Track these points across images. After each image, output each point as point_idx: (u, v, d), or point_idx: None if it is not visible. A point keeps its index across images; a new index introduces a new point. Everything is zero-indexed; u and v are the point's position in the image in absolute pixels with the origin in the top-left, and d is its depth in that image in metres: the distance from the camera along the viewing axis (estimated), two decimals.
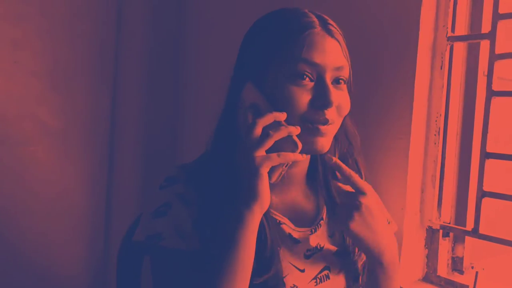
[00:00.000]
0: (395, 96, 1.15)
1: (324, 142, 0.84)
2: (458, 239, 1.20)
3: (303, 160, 0.90)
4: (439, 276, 1.18)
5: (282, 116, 0.80)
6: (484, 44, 1.12)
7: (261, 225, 0.82)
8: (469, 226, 1.13)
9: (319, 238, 0.93)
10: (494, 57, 1.05)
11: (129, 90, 1.82)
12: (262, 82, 0.84)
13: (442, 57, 1.14)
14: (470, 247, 1.20)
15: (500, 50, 1.04)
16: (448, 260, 1.20)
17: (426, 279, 1.20)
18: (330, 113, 0.83)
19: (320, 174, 0.95)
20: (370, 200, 0.85)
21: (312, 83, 0.82)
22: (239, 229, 0.77)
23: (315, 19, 0.85)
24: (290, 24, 0.85)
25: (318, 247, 0.93)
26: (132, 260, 1.10)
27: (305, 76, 0.81)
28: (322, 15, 0.87)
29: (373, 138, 1.18)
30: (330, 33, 0.84)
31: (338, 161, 0.87)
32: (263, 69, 0.84)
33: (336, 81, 0.84)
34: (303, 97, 0.81)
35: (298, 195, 0.94)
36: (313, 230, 0.92)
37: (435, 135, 1.16)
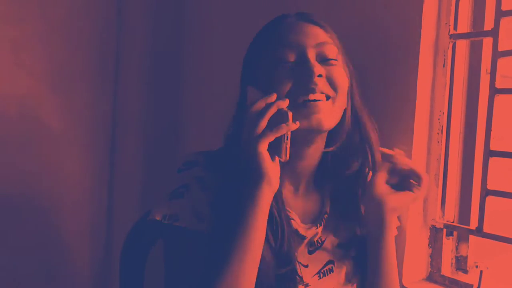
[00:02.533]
0: (397, 94, 1.15)
1: (321, 118, 0.85)
2: (462, 238, 1.19)
3: (314, 153, 0.92)
4: (443, 276, 1.17)
5: (271, 98, 0.81)
6: (487, 42, 1.11)
7: (278, 221, 0.84)
8: (473, 225, 1.13)
9: (322, 233, 0.94)
10: (497, 55, 1.04)
11: (130, 90, 1.82)
12: (257, 80, 0.87)
13: (444, 55, 1.14)
14: (474, 246, 1.19)
15: (503, 48, 1.03)
16: (452, 259, 1.19)
17: (430, 278, 1.19)
18: (320, 84, 0.84)
19: (330, 167, 0.95)
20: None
21: (295, 62, 0.85)
22: (250, 208, 0.78)
23: (293, 14, 0.91)
24: (271, 23, 0.92)
25: (320, 241, 0.93)
26: (136, 257, 1.10)
27: (287, 58, 0.85)
28: (306, 12, 0.92)
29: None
30: (306, 19, 0.89)
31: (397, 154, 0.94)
32: (255, 69, 0.89)
33: (323, 58, 0.86)
34: (287, 76, 0.84)
35: (305, 190, 0.95)
36: (318, 225, 0.93)
37: (438, 133, 1.15)
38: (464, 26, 1.15)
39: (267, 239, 0.82)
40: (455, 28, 1.14)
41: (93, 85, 1.76)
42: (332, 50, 0.87)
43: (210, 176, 0.86)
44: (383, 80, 1.17)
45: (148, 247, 1.11)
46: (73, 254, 1.77)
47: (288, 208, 0.90)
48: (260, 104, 0.81)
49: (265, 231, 0.80)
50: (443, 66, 1.14)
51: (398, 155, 0.96)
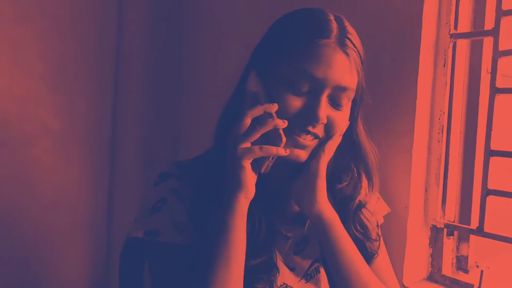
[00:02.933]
0: (398, 94, 1.14)
1: (301, 154, 0.84)
2: (463, 237, 1.19)
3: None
4: (443, 275, 1.17)
5: (273, 108, 0.80)
6: (488, 41, 1.11)
7: (256, 214, 0.84)
8: (474, 224, 1.13)
9: (307, 232, 0.94)
10: (497, 54, 1.04)
11: (130, 91, 1.82)
12: (265, 74, 0.84)
13: (445, 55, 1.14)
14: (475, 246, 1.19)
15: (504, 47, 1.03)
16: (452, 259, 1.19)
17: (430, 278, 1.19)
18: (317, 128, 0.83)
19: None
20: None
21: (308, 94, 0.82)
22: (228, 215, 0.79)
23: (334, 29, 0.82)
24: (307, 27, 0.83)
25: (305, 240, 0.93)
26: (134, 258, 1.10)
27: (301, 86, 0.81)
28: (345, 25, 0.84)
29: (376, 136, 1.17)
30: (343, 47, 0.81)
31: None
32: (269, 62, 0.85)
33: (334, 102, 0.84)
34: (295, 105, 0.82)
35: (290, 193, 0.94)
36: (302, 224, 0.93)
37: (438, 133, 1.15)
38: (465, 25, 1.15)
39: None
40: (455, 27, 1.14)
41: (93, 86, 1.76)
42: (348, 97, 0.84)
43: (185, 186, 0.86)
44: (384, 79, 1.17)
45: (143, 259, 1.11)
46: (73, 254, 1.77)
47: (266, 208, 0.89)
48: (258, 111, 0.79)
49: (244, 233, 0.81)
50: (444, 65, 1.14)
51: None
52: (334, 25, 0.82)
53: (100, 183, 1.81)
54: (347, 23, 0.85)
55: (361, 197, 0.94)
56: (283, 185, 0.92)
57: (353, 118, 0.90)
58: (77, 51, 1.71)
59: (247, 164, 0.79)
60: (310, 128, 0.82)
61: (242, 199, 0.80)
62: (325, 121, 0.83)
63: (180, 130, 1.91)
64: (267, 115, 0.80)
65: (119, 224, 1.79)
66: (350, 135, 0.91)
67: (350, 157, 0.93)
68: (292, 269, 0.91)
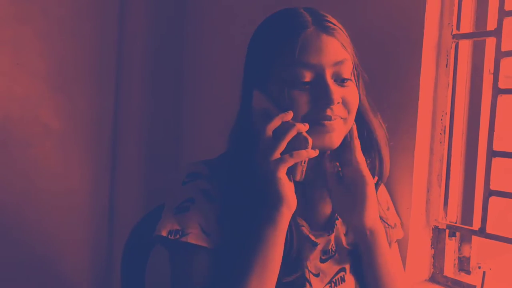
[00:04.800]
0: (400, 94, 1.14)
1: (333, 137, 0.84)
2: (465, 238, 1.19)
3: (323, 161, 0.91)
4: (445, 276, 1.17)
5: (288, 116, 0.80)
6: (490, 42, 1.11)
7: (288, 228, 0.83)
8: (476, 225, 1.12)
9: (334, 240, 0.93)
10: (500, 55, 1.04)
11: (131, 91, 1.82)
12: (267, 88, 0.84)
13: (447, 55, 1.13)
14: (477, 247, 1.18)
15: (506, 48, 1.03)
16: (454, 260, 1.19)
17: (432, 279, 1.19)
18: (336, 110, 0.83)
19: (339, 172, 0.94)
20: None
21: (312, 84, 0.82)
22: (270, 230, 0.78)
23: (308, 18, 0.84)
24: (284, 27, 0.85)
25: (333, 249, 0.92)
26: (138, 258, 1.10)
27: (303, 78, 0.81)
28: (318, 12, 0.86)
29: None
30: (325, 30, 0.83)
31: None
32: (265, 76, 0.85)
33: (339, 78, 0.84)
34: (304, 99, 0.82)
35: (316, 197, 0.94)
36: (330, 232, 0.92)
37: (440, 133, 1.15)
38: (467, 26, 1.14)
39: None
40: (458, 28, 1.13)
41: (94, 85, 1.76)
42: (348, 68, 0.85)
43: (215, 188, 0.85)
44: (386, 80, 1.17)
45: (147, 257, 1.10)
46: (74, 254, 1.77)
47: (296, 216, 0.88)
48: (276, 122, 0.80)
49: (282, 248, 0.80)
50: (446, 66, 1.14)
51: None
52: (307, 15, 0.85)
53: (101, 182, 1.81)
54: (318, 10, 0.87)
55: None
56: (308, 190, 0.91)
57: (361, 100, 0.90)
58: (79, 51, 1.71)
59: (282, 175, 0.78)
60: (329, 113, 0.82)
61: (286, 212, 0.79)
62: (339, 100, 0.83)
63: (181, 129, 1.91)
64: (286, 124, 0.80)
65: (120, 224, 1.79)
66: (362, 120, 0.91)
67: (360, 137, 0.91)
68: (317, 275, 0.91)
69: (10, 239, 1.63)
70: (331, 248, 0.92)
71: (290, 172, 0.80)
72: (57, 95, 1.68)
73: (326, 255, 0.92)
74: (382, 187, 1.06)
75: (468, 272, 1.19)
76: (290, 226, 0.83)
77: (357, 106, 0.87)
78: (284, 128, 0.79)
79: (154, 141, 1.86)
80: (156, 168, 1.84)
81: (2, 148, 1.60)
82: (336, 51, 0.83)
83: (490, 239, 1.07)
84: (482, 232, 1.07)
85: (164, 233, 0.83)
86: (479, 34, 1.12)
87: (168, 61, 1.88)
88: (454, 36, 1.13)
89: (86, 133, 1.76)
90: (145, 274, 1.12)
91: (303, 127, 0.80)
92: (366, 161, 0.90)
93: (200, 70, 1.83)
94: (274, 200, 0.79)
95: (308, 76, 0.82)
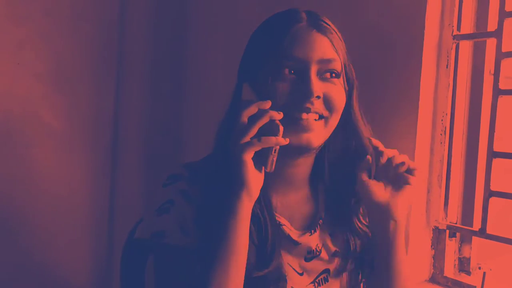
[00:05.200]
0: (400, 95, 1.14)
1: (311, 137, 0.83)
2: (465, 239, 1.19)
3: (305, 161, 0.90)
4: (446, 277, 1.17)
5: (265, 104, 0.80)
6: (491, 43, 1.11)
7: (262, 221, 0.83)
8: (476, 226, 1.12)
9: (319, 240, 0.93)
10: (500, 56, 1.04)
11: (132, 91, 1.82)
12: (255, 82, 0.85)
13: (448, 56, 1.14)
14: (477, 248, 1.18)
15: (507, 48, 1.03)
16: (455, 260, 1.19)
17: (432, 280, 1.19)
18: (316, 104, 0.82)
19: (326, 173, 0.94)
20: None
21: (295, 76, 0.82)
22: (230, 218, 0.77)
23: (304, 16, 0.85)
24: (279, 22, 0.86)
25: (318, 249, 0.92)
26: (137, 259, 1.10)
27: (287, 70, 0.82)
28: (315, 13, 0.87)
29: (379, 137, 1.17)
30: (318, 27, 0.84)
31: (380, 145, 0.90)
32: (255, 69, 0.86)
33: (324, 75, 0.84)
34: (286, 90, 0.82)
35: (299, 197, 0.93)
36: (312, 231, 0.92)
37: (441, 134, 1.15)
38: (468, 27, 1.15)
39: (251, 239, 0.82)
40: (458, 29, 1.13)
41: (95, 85, 1.76)
42: (336, 67, 0.85)
43: (194, 189, 0.85)
44: (386, 81, 1.17)
45: (145, 258, 1.11)
46: (74, 254, 1.77)
47: (277, 214, 0.89)
48: (253, 109, 0.79)
49: (247, 237, 0.79)
50: (446, 67, 1.14)
51: (381, 147, 0.92)
52: (303, 14, 0.86)
53: (101, 183, 1.81)
54: (317, 12, 0.88)
55: None
56: (291, 190, 0.91)
57: (348, 99, 0.89)
58: (79, 51, 1.72)
59: (248, 158, 0.77)
60: (309, 105, 0.81)
61: (245, 199, 0.78)
62: (319, 94, 0.82)
63: (182, 130, 1.91)
64: (261, 111, 0.79)
65: (120, 224, 1.79)
66: (346, 118, 0.90)
67: (345, 140, 0.92)
68: (300, 274, 0.90)
69: (10, 239, 1.63)
70: (316, 248, 0.92)
71: (262, 162, 0.79)
72: (58, 95, 1.68)
73: (310, 254, 0.91)
74: None
75: (468, 273, 1.19)
76: (263, 219, 0.83)
77: (341, 107, 0.86)
78: (258, 114, 0.79)
79: (154, 141, 1.86)
80: (156, 168, 1.84)
81: (2, 148, 1.60)
82: (325, 49, 0.84)
83: (490, 239, 1.07)
84: (482, 232, 1.07)
85: (146, 236, 0.84)
86: (479, 35, 1.13)
87: (168, 61, 1.88)
88: (454, 37, 1.13)
89: (86, 133, 1.76)
90: (145, 275, 1.12)
91: (276, 115, 0.79)
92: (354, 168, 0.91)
93: (201, 70, 1.83)
94: (236, 185, 0.77)
95: (291, 67, 0.82)
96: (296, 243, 0.90)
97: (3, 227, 1.63)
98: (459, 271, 1.19)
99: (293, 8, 0.88)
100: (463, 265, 1.19)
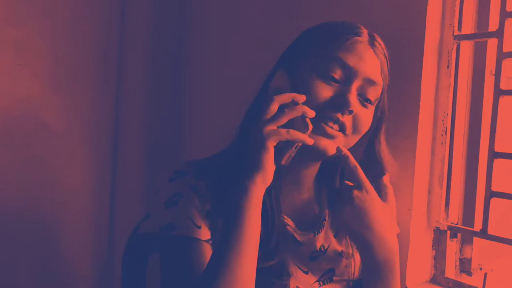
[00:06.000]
0: (401, 95, 1.14)
1: (328, 145, 0.83)
2: (466, 240, 1.19)
3: (315, 164, 0.91)
4: (447, 278, 1.17)
5: (300, 98, 0.79)
6: (492, 43, 1.11)
7: (269, 215, 0.83)
8: (477, 226, 1.12)
9: (323, 240, 0.93)
10: (501, 56, 1.04)
11: (132, 91, 1.82)
12: (294, 73, 0.85)
13: (448, 56, 1.13)
14: (478, 248, 1.18)
15: (508, 49, 1.03)
16: (456, 261, 1.19)
17: (433, 280, 1.19)
18: (345, 118, 0.83)
19: (338, 176, 0.94)
20: (365, 196, 0.84)
21: (338, 84, 0.83)
22: (243, 200, 0.76)
23: (365, 31, 0.87)
24: (341, 28, 0.87)
25: (322, 249, 0.92)
26: (139, 258, 1.10)
27: (334, 74, 0.82)
28: (374, 34, 0.88)
29: None
30: (374, 48, 0.85)
31: (348, 152, 0.86)
32: (300, 62, 0.86)
33: (363, 97, 0.85)
34: (325, 93, 0.82)
35: (304, 198, 0.94)
36: (316, 233, 0.92)
37: (442, 134, 1.15)
38: (469, 27, 1.14)
39: None
40: (459, 29, 1.13)
41: (95, 86, 1.76)
42: (375, 93, 0.86)
43: (203, 184, 0.85)
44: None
45: (147, 256, 1.11)
46: (74, 254, 1.77)
47: (283, 215, 0.89)
48: (286, 98, 0.78)
49: (259, 224, 0.78)
50: (447, 67, 1.14)
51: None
52: (364, 29, 0.87)
53: (102, 183, 1.81)
54: (376, 35, 0.89)
55: None
56: (296, 190, 0.92)
57: (376, 129, 0.91)
58: (80, 52, 1.72)
59: (271, 145, 0.76)
60: (339, 116, 0.82)
61: (259, 181, 0.76)
62: (354, 109, 0.82)
63: (182, 130, 1.91)
64: (295, 104, 0.79)
65: (121, 223, 1.79)
66: (371, 148, 0.92)
67: (370, 171, 0.91)
68: (306, 272, 0.91)
69: (10, 239, 1.63)
70: (321, 248, 0.92)
71: (278, 155, 0.78)
72: (58, 96, 1.68)
73: (315, 254, 0.92)
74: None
75: (469, 274, 1.18)
76: (271, 212, 0.83)
77: (364, 131, 0.87)
78: (291, 105, 0.78)
79: (155, 141, 1.86)
80: (157, 168, 1.84)
81: (3, 148, 1.60)
82: (375, 70, 0.85)
83: (492, 240, 1.06)
84: (483, 233, 1.07)
85: (155, 229, 0.83)
86: (480, 35, 1.12)
87: (169, 62, 1.88)
88: (455, 37, 1.13)
89: (87, 134, 1.76)
90: (146, 275, 1.12)
91: (309, 112, 0.79)
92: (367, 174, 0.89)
93: (201, 70, 1.83)
94: (252, 167, 0.76)
95: (338, 74, 0.83)
96: (300, 244, 0.90)
97: (3, 227, 1.62)
98: (460, 272, 1.19)
99: (356, 23, 0.89)
100: (464, 266, 1.19)
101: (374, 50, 0.85)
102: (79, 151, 1.75)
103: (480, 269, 1.15)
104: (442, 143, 1.15)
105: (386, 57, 0.88)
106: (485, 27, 1.14)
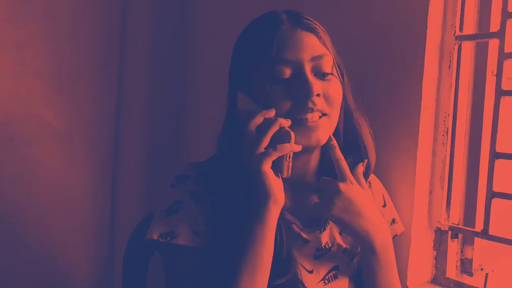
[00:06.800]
0: (403, 96, 1.14)
1: (319, 135, 0.84)
2: (467, 240, 1.19)
3: (313, 155, 0.91)
4: (448, 278, 1.17)
5: (270, 113, 0.81)
6: (493, 43, 1.11)
7: (277, 228, 0.83)
8: (479, 227, 1.12)
9: (328, 237, 0.93)
10: (503, 56, 1.04)
11: (133, 91, 1.82)
12: (248, 88, 0.86)
13: (450, 57, 1.13)
14: (480, 249, 1.18)
15: (510, 49, 1.03)
16: (457, 261, 1.19)
17: (434, 281, 1.18)
18: (318, 103, 0.83)
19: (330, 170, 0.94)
20: (350, 187, 0.86)
21: (293, 78, 0.83)
22: (259, 227, 0.78)
23: (284, 16, 0.87)
24: (261, 27, 0.88)
25: (327, 246, 0.92)
26: (140, 259, 1.10)
27: (283, 75, 0.83)
28: (294, 11, 0.88)
29: (381, 138, 1.17)
30: (301, 26, 0.85)
31: (335, 143, 0.87)
32: (245, 77, 0.87)
33: (319, 73, 0.85)
34: (286, 94, 0.83)
35: (307, 195, 0.94)
36: (321, 229, 0.92)
37: (443, 135, 1.15)
38: (470, 27, 1.14)
39: None
40: (460, 29, 1.13)
41: (97, 86, 1.76)
42: (328, 63, 0.86)
43: (203, 189, 0.86)
44: (388, 81, 1.17)
45: (148, 258, 1.11)
46: (75, 254, 1.77)
47: (286, 212, 0.89)
48: (259, 119, 0.81)
49: (273, 245, 0.80)
50: (449, 67, 1.14)
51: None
52: (283, 15, 0.87)
53: (103, 183, 1.81)
54: (297, 11, 0.89)
55: None
56: (298, 187, 0.92)
57: (346, 96, 0.91)
58: (82, 52, 1.72)
59: (267, 168, 0.78)
60: (311, 105, 0.82)
61: (273, 207, 0.79)
62: (319, 92, 0.83)
63: (183, 130, 1.91)
64: (269, 120, 0.81)
65: (122, 224, 1.79)
66: (353, 132, 0.92)
67: (344, 133, 0.92)
68: (310, 272, 0.91)
69: (11, 238, 1.63)
70: (326, 245, 0.92)
71: (277, 169, 0.81)
72: (60, 96, 1.69)
73: (320, 252, 0.92)
74: (377, 183, 1.07)
75: (470, 274, 1.18)
76: (279, 225, 0.83)
77: (340, 101, 0.88)
78: (267, 123, 0.80)
79: (156, 141, 1.86)
80: (158, 168, 1.84)
81: (5, 148, 1.61)
82: (314, 45, 0.85)
83: (493, 241, 1.06)
84: (484, 233, 1.07)
85: (155, 237, 0.84)
86: (482, 35, 1.12)
87: (170, 62, 1.88)
88: (457, 38, 1.13)
89: (88, 133, 1.76)
90: (147, 276, 1.12)
91: (285, 122, 0.81)
92: (347, 159, 0.90)
93: (202, 71, 1.83)
94: (261, 195, 0.79)
95: (287, 72, 0.83)
96: (306, 241, 0.90)
97: (4, 226, 1.63)
98: (461, 272, 1.19)
99: (272, 10, 0.89)
100: (465, 266, 1.19)
101: (302, 28, 0.85)
102: (80, 151, 1.75)
103: (481, 269, 1.15)
104: (443, 144, 1.15)
105: (317, 25, 0.87)
106: (486, 28, 1.14)
